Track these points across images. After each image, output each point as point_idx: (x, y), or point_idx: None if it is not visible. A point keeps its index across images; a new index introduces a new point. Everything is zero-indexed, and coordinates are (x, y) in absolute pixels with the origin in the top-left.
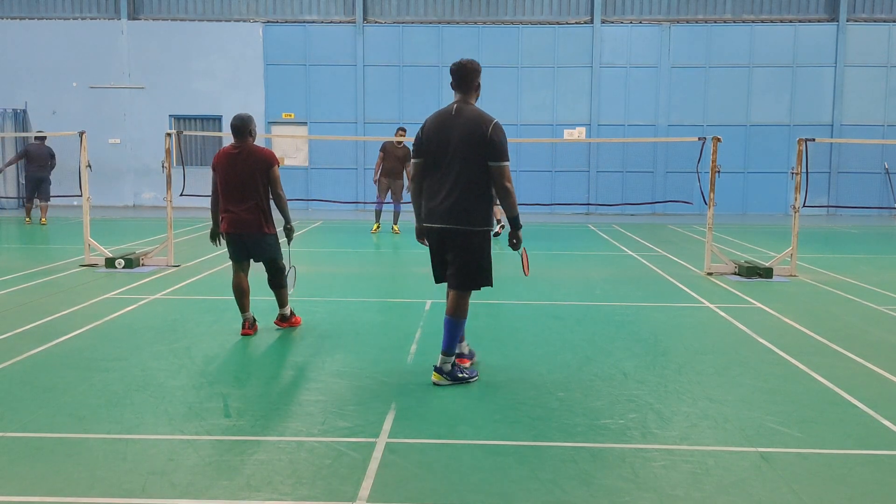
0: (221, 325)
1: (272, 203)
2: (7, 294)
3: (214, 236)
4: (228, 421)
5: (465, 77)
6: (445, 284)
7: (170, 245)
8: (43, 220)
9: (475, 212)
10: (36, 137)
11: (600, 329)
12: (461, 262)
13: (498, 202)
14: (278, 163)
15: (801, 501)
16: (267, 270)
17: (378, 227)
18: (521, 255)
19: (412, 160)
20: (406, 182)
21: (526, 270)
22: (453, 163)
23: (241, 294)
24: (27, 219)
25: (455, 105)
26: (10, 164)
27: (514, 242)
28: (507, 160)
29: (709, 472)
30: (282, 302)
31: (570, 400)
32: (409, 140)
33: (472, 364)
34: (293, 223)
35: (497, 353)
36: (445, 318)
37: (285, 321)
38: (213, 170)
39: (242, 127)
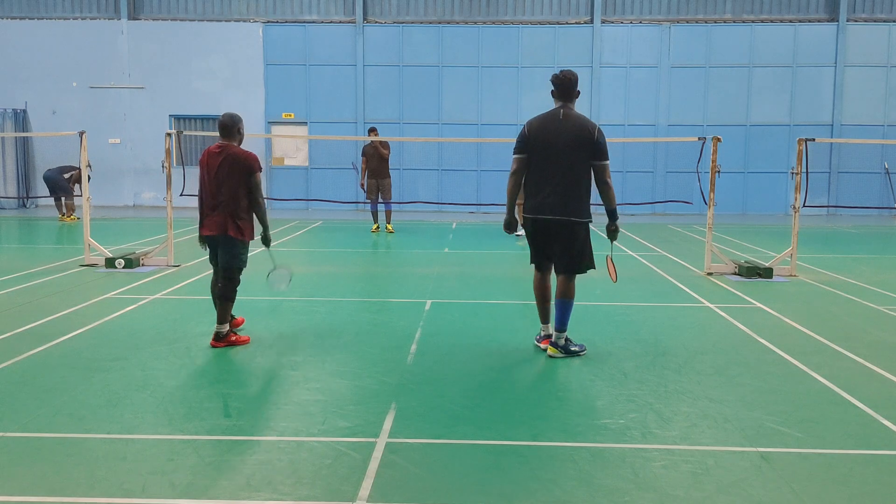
0: None
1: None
2: (7, 294)
3: (201, 240)
4: (228, 421)
5: (569, 87)
6: (528, 268)
7: (170, 245)
8: (69, 217)
9: (579, 205)
10: None
11: (600, 329)
12: (568, 251)
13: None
14: (260, 169)
15: (801, 501)
16: (220, 277)
17: (378, 227)
18: (608, 263)
19: (515, 156)
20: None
21: (613, 276)
22: (561, 162)
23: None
24: (59, 215)
25: (561, 110)
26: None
27: (613, 231)
28: (608, 159)
29: (709, 472)
30: (222, 317)
31: (570, 400)
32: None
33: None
34: (271, 233)
35: (497, 353)
36: (557, 301)
37: (221, 340)
38: (200, 167)
39: (231, 125)
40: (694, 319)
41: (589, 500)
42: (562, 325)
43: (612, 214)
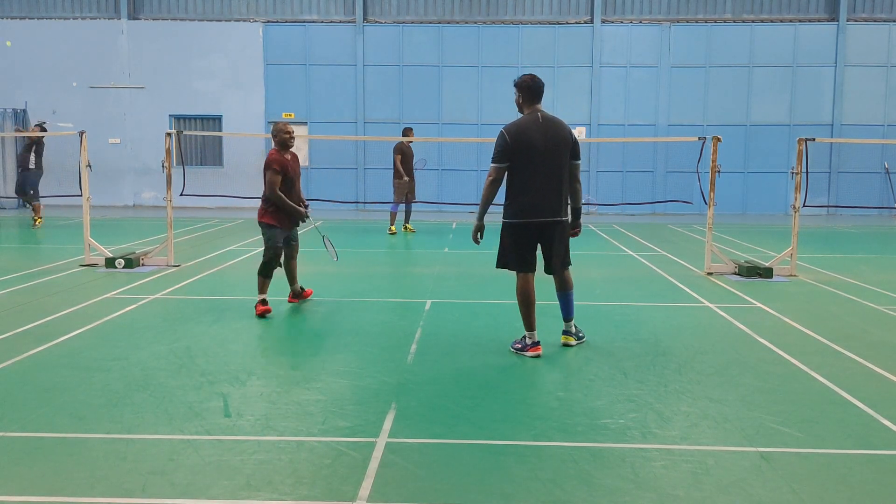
0: (221, 325)
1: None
2: (7, 294)
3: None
4: (228, 421)
5: (541, 90)
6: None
7: (170, 245)
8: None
9: (566, 204)
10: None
11: (600, 329)
12: (561, 247)
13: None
14: (270, 166)
15: (801, 501)
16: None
17: (395, 230)
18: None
19: (496, 165)
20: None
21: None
22: (549, 164)
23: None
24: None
25: (539, 114)
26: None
27: (576, 233)
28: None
29: (709, 472)
30: (291, 280)
31: (570, 400)
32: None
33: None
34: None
35: (497, 353)
36: (562, 294)
37: (297, 297)
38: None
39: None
40: (694, 319)
41: (589, 500)
42: (571, 314)
43: (577, 213)
